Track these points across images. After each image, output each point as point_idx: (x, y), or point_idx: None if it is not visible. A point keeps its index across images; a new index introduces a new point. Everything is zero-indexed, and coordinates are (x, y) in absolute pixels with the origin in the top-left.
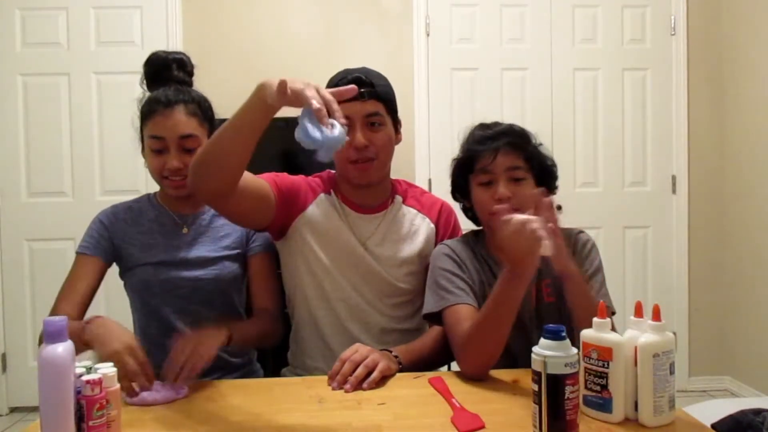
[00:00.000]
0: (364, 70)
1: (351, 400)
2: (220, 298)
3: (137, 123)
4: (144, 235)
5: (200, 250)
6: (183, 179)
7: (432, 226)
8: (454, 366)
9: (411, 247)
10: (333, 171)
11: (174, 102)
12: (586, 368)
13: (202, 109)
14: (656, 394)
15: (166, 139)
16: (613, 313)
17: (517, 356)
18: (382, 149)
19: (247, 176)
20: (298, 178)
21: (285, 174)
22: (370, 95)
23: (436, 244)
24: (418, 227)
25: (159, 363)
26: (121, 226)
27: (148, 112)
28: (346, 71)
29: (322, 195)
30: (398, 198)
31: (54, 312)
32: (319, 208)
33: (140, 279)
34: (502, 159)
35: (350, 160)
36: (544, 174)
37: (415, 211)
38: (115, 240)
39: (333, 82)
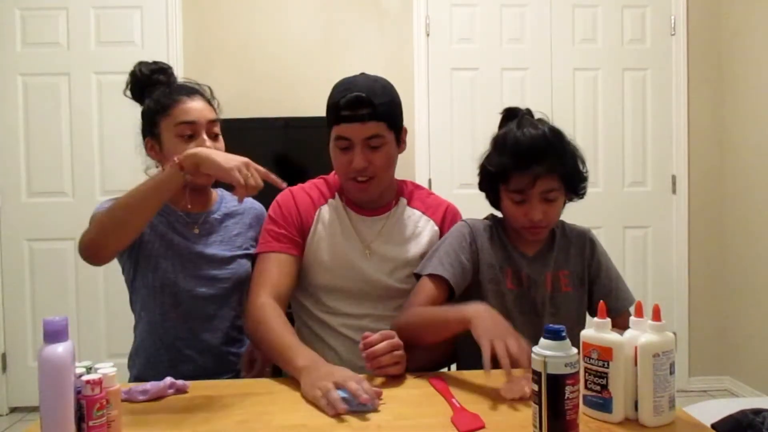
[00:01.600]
0: (367, 86)
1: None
2: (235, 296)
3: (141, 126)
4: (158, 236)
5: (215, 250)
6: None
7: (436, 228)
8: (454, 366)
9: (414, 249)
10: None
11: (193, 92)
12: (586, 368)
13: (213, 101)
14: (656, 394)
15: (197, 122)
16: (633, 302)
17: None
18: (381, 169)
19: (284, 282)
20: (297, 200)
21: (284, 211)
22: (370, 117)
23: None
24: (422, 229)
25: (168, 361)
26: None
27: (172, 102)
28: (348, 87)
29: (324, 205)
30: (403, 200)
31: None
32: (324, 222)
33: (155, 280)
34: (540, 184)
35: (349, 177)
36: (576, 185)
37: (419, 213)
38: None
39: (335, 99)
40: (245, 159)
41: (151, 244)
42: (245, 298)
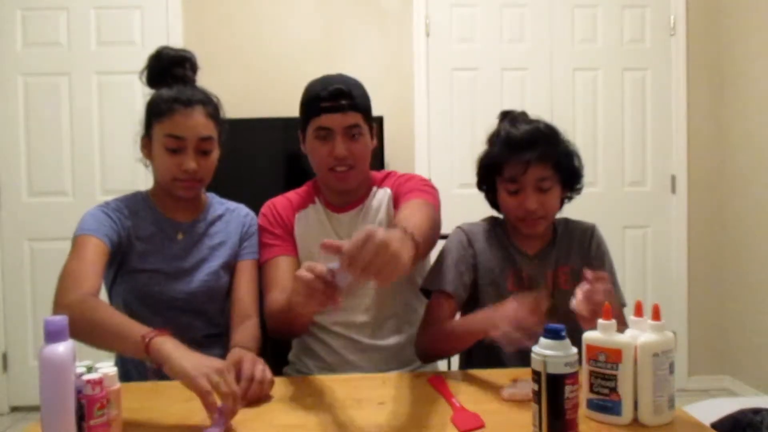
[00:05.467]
0: (344, 80)
1: (351, 399)
2: (212, 307)
3: (143, 120)
4: (142, 241)
5: (196, 260)
6: (195, 182)
7: (389, 192)
8: (454, 365)
9: (384, 225)
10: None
11: (194, 102)
12: (591, 372)
13: (218, 112)
14: (656, 393)
15: (186, 139)
16: (623, 305)
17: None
18: (361, 158)
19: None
20: (278, 207)
21: (270, 218)
22: (350, 107)
23: (395, 207)
24: (381, 203)
25: (140, 370)
26: (124, 223)
27: (167, 110)
28: (326, 81)
29: (304, 210)
30: (374, 188)
31: (64, 301)
32: (304, 227)
33: (133, 287)
34: (532, 171)
35: (329, 167)
36: (571, 178)
37: (382, 189)
38: (121, 234)
39: (315, 91)
40: (219, 365)
41: (132, 253)
42: (227, 308)
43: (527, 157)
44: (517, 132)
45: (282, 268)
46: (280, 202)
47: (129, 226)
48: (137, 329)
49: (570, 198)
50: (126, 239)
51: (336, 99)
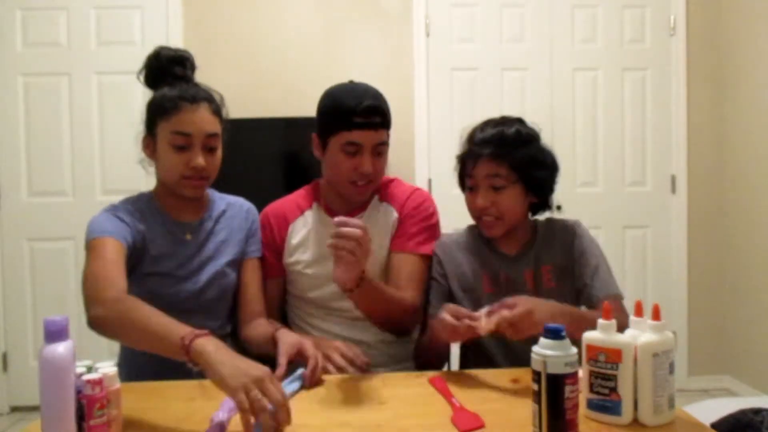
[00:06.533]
0: (374, 94)
1: (351, 399)
2: (222, 307)
3: (144, 119)
4: (155, 244)
5: (205, 260)
6: (203, 180)
7: (395, 215)
8: (454, 366)
9: (385, 245)
10: (320, 179)
11: (199, 99)
12: (591, 372)
13: (221, 109)
14: (656, 393)
15: (193, 135)
16: (620, 297)
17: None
18: (381, 173)
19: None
20: (272, 220)
21: (262, 235)
22: (381, 125)
23: (397, 234)
24: (387, 221)
25: (154, 373)
26: (138, 227)
27: (172, 107)
28: (358, 94)
29: (300, 218)
30: (375, 197)
31: (99, 300)
32: (300, 236)
33: (145, 290)
34: (481, 167)
35: (351, 181)
36: (535, 186)
37: (386, 203)
38: (136, 237)
39: (345, 105)
40: (259, 374)
41: (146, 257)
42: (237, 309)
43: (480, 152)
44: (481, 132)
45: (264, 290)
46: (274, 213)
47: (143, 230)
48: (176, 330)
49: (541, 207)
50: (141, 242)
51: (370, 116)
